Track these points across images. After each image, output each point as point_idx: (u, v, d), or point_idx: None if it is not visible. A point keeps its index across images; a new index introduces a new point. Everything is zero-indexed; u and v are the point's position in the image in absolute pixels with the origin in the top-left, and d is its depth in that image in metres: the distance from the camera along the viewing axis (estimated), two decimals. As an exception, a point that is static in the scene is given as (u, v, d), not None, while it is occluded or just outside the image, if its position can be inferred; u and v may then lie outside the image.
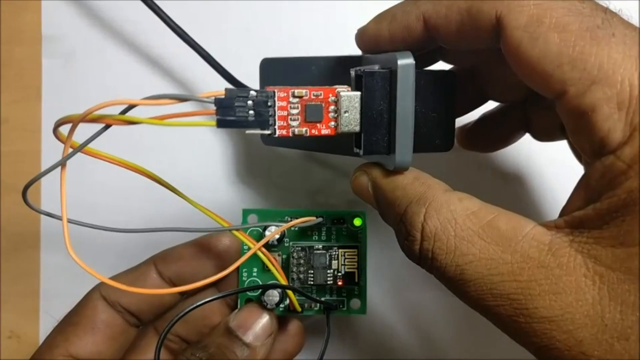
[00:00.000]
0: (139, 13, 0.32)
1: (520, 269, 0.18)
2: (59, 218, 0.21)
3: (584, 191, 0.18)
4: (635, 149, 0.16)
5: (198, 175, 0.35)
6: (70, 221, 0.22)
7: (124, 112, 0.19)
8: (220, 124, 0.20)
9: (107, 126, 0.19)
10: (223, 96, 0.20)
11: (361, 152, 0.23)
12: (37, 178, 0.21)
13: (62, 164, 0.20)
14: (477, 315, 0.20)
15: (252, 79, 0.31)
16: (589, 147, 0.18)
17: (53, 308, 0.35)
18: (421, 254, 0.20)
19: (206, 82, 0.34)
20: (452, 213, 0.20)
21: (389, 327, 0.35)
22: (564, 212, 0.19)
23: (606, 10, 0.18)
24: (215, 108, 0.20)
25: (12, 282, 0.35)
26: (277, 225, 0.28)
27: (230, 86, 0.30)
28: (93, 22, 0.35)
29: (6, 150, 0.35)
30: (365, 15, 0.24)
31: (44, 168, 0.33)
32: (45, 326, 0.35)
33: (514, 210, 0.20)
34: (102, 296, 0.28)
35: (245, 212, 0.30)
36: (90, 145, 0.21)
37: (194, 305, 0.25)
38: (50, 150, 0.35)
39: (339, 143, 0.24)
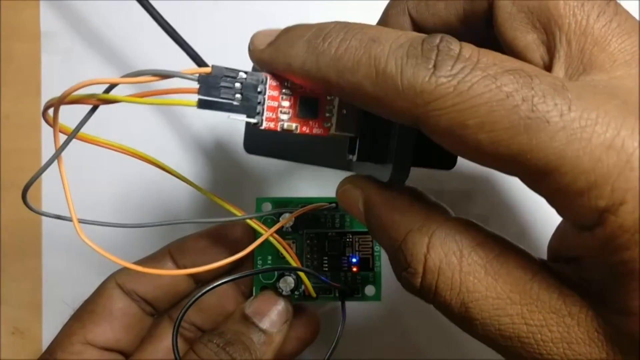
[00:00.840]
0: (137, 11, 0.32)
1: (531, 312, 0.17)
2: (69, 219, 0.21)
3: (571, 248, 0.17)
4: (608, 230, 0.15)
5: (206, 165, 0.35)
6: (81, 221, 0.22)
7: (106, 91, 0.19)
8: (202, 104, 0.18)
9: (94, 108, 0.19)
10: (209, 73, 0.18)
11: (354, 158, 0.21)
12: (34, 178, 0.20)
13: (57, 156, 0.20)
14: None
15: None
16: (566, 220, 0.17)
17: (56, 303, 0.35)
18: (422, 288, 0.19)
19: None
20: (457, 244, 0.18)
21: (404, 314, 0.34)
22: (554, 253, 0.18)
23: (530, 83, 0.15)
24: (198, 86, 0.18)
25: (15, 278, 0.35)
26: (290, 212, 0.28)
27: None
28: (91, 18, 0.35)
29: (6, 147, 0.35)
30: (370, 15, 0.23)
31: (44, 160, 0.34)
32: (49, 322, 0.35)
33: (513, 232, 0.19)
34: (118, 285, 0.28)
35: (259, 201, 0.30)
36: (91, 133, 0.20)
37: (210, 287, 0.25)
38: (50, 147, 0.35)
39: (328, 153, 0.23)
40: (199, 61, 0.29)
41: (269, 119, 0.19)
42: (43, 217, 0.35)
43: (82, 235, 0.20)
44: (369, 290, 0.29)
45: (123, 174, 0.35)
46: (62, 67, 0.35)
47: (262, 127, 0.19)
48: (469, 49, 0.16)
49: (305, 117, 0.20)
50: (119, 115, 0.33)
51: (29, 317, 0.35)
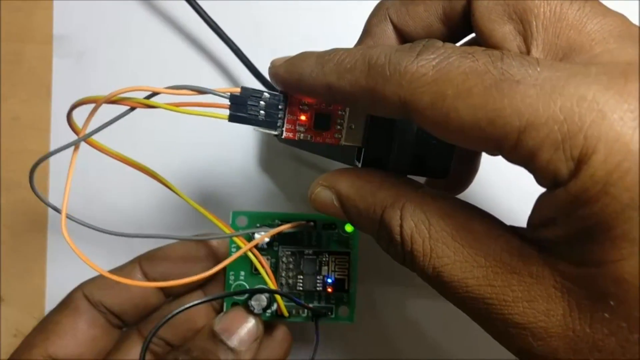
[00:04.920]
0: (149, 13, 0.33)
1: (495, 274, 0.18)
2: (58, 210, 0.22)
3: (544, 210, 0.18)
4: (580, 183, 0.15)
5: (199, 169, 0.35)
6: (69, 217, 0.24)
7: (146, 97, 0.21)
8: (232, 118, 0.22)
9: (132, 109, 0.21)
10: (238, 93, 0.21)
11: (359, 165, 0.24)
12: (46, 157, 0.22)
13: (76, 143, 0.22)
14: (466, 326, 0.19)
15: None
16: (542, 183, 0.17)
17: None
18: (405, 257, 0.21)
19: (212, 84, 0.34)
20: (425, 214, 0.20)
21: (376, 335, 0.35)
22: (529, 221, 0.19)
23: (501, 56, 0.17)
24: (229, 103, 0.22)
25: (18, 280, 0.35)
26: (267, 228, 0.28)
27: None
28: (104, 21, 0.35)
29: (15, 148, 0.35)
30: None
31: (52, 167, 0.35)
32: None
33: (490, 206, 0.20)
34: (85, 296, 0.28)
35: (235, 215, 0.29)
36: (96, 139, 0.22)
37: (181, 309, 0.25)
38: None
39: (347, 154, 0.25)
40: (244, 59, 0.33)
41: (289, 130, 0.23)
42: (49, 221, 0.35)
43: (64, 230, 0.22)
44: (343, 311, 0.29)
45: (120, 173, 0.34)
46: (74, 70, 0.35)
47: (283, 137, 0.23)
48: (450, 44, 0.18)
49: (319, 130, 0.23)
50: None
51: (31, 319, 0.35)
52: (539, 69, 0.16)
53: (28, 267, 0.35)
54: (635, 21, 0.18)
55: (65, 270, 0.34)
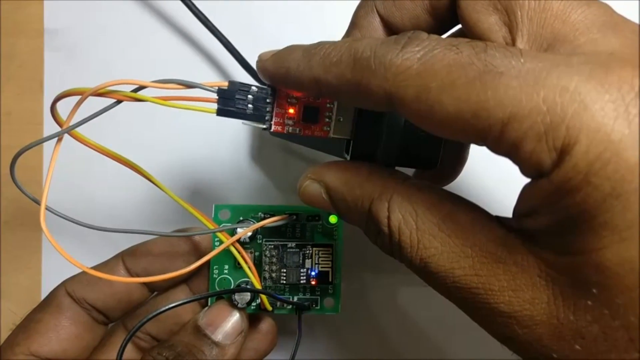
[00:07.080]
0: (140, 7, 0.33)
1: (481, 264, 0.18)
2: (38, 202, 0.22)
3: (528, 200, 0.18)
4: (563, 173, 0.16)
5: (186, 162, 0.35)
6: (49, 209, 0.24)
7: (134, 91, 0.21)
8: (220, 112, 0.22)
9: (118, 102, 0.21)
10: (226, 87, 0.22)
11: (348, 157, 0.24)
12: (31, 145, 0.22)
13: (59, 135, 0.22)
14: (452, 312, 0.20)
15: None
16: (526, 174, 0.18)
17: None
18: (392, 248, 0.21)
19: (203, 77, 0.35)
20: (412, 205, 0.20)
21: (363, 324, 0.35)
22: (514, 211, 0.20)
23: (485, 47, 0.17)
24: (217, 97, 0.22)
25: (15, 274, 0.35)
26: (250, 222, 0.27)
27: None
28: (95, 15, 0.35)
29: (8, 144, 0.35)
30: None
31: (45, 161, 0.35)
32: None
33: (476, 196, 0.20)
34: (68, 293, 0.28)
35: (217, 208, 0.29)
36: (80, 132, 0.22)
37: (164, 308, 0.25)
38: (53, 144, 0.35)
39: (336, 146, 0.25)
40: (235, 53, 0.33)
41: (277, 124, 0.23)
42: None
43: (43, 223, 0.22)
44: (328, 302, 0.29)
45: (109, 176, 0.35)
46: (65, 64, 0.35)
47: (271, 130, 0.23)
48: (435, 36, 0.18)
49: (307, 123, 0.23)
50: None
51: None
52: (522, 60, 0.16)
53: (25, 261, 0.35)
54: (635, 20, 0.18)
55: (61, 264, 0.34)
